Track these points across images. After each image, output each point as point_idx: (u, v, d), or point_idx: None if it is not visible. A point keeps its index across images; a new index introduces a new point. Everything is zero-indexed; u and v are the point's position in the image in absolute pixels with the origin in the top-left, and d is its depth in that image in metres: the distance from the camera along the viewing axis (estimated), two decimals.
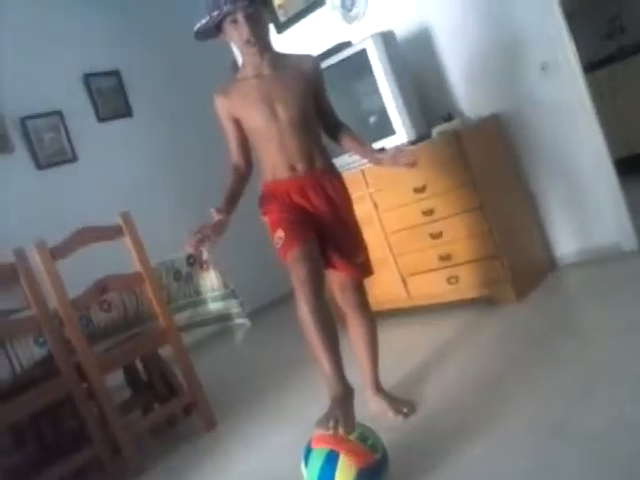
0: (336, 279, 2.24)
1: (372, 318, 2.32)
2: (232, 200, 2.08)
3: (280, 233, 2.02)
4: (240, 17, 1.94)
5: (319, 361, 1.87)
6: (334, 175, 2.20)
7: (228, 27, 1.99)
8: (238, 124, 2.12)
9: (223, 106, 2.11)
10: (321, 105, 2.19)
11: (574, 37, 2.98)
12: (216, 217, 1.96)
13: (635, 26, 4.81)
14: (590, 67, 4.35)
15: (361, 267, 2.22)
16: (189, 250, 1.94)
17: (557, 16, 2.96)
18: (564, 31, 2.97)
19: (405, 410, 2.23)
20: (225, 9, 1.92)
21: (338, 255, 2.15)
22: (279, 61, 2.10)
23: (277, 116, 2.05)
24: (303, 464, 1.80)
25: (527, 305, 2.89)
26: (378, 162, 2.17)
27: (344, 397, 1.80)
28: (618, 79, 4.58)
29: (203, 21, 1.99)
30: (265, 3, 2.08)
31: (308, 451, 1.80)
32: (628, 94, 4.53)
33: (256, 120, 2.07)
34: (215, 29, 2.04)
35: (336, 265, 2.17)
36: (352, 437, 1.75)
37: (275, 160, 2.09)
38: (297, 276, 1.91)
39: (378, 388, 2.34)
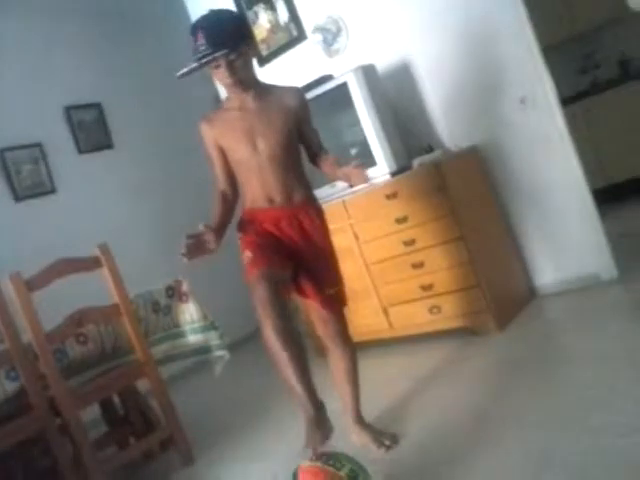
0: (315, 311, 2.22)
1: (353, 349, 2.30)
2: (221, 225, 2.06)
3: (248, 253, 2.01)
4: (222, 64, 1.94)
5: (287, 381, 1.80)
6: (312, 208, 2.18)
7: (211, 70, 1.99)
8: (223, 152, 2.13)
9: (208, 134, 2.12)
10: (307, 135, 2.18)
11: (550, 72, 3.04)
12: (205, 233, 1.92)
13: (609, 62, 4.93)
14: (566, 101, 4.44)
15: (331, 299, 2.18)
16: (184, 259, 1.86)
17: (535, 51, 3.02)
18: (542, 66, 3.03)
19: (387, 442, 2.20)
20: (205, 60, 1.91)
21: (309, 284, 2.14)
22: (264, 94, 2.10)
23: (257, 150, 2.06)
24: None
25: (508, 335, 2.89)
26: (343, 178, 2.10)
27: (317, 414, 1.77)
28: (593, 112, 4.67)
29: (185, 70, 1.95)
30: (248, 41, 2.03)
31: None
32: (603, 127, 4.62)
33: (238, 152, 2.08)
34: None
35: (307, 294, 2.16)
36: (342, 473, 1.71)
37: (255, 191, 2.11)
38: (259, 297, 1.86)
39: (360, 420, 2.31)
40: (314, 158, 2.25)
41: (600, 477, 1.60)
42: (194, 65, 1.94)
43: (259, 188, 2.09)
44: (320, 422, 1.77)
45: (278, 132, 2.07)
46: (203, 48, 1.90)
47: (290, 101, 2.12)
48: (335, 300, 2.21)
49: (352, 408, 2.30)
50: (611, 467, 1.62)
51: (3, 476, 2.60)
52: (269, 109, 2.08)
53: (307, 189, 2.18)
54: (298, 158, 2.18)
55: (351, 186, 2.78)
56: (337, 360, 2.28)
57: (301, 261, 2.11)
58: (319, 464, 1.71)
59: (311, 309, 2.23)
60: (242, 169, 2.11)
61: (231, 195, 2.17)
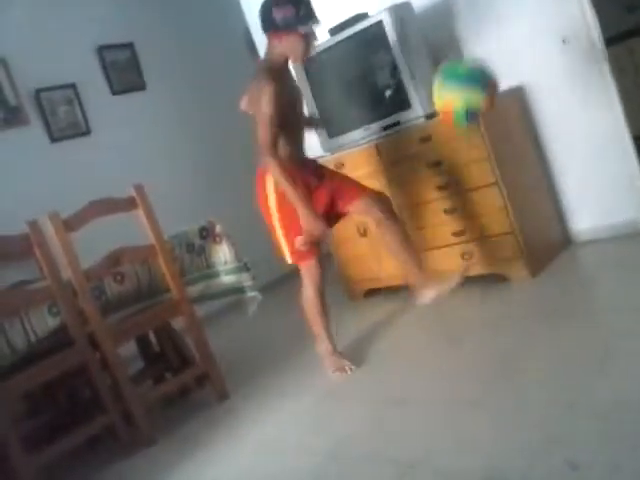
0: (362, 207, 2.63)
1: (402, 222, 2.72)
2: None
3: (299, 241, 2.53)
4: (314, 38, 2.41)
5: (315, 326, 2.72)
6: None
7: (295, 37, 2.37)
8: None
9: (277, 94, 2.37)
10: None
11: (595, 9, 2.90)
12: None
13: None
14: (610, 41, 4.24)
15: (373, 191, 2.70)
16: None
17: None
18: (586, 3, 2.89)
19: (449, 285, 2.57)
20: (313, 29, 2.38)
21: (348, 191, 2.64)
22: None
23: (300, 111, 2.62)
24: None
25: (540, 282, 2.87)
26: None
27: (331, 350, 2.69)
28: (639, 54, 4.46)
29: (286, 20, 2.33)
30: None
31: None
32: None
33: (292, 112, 2.51)
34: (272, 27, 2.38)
35: (349, 197, 2.62)
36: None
37: (295, 144, 2.58)
38: (309, 277, 2.64)
39: (427, 276, 2.65)
40: None
41: (632, 421, 1.61)
42: (297, 27, 2.35)
43: (298, 143, 2.60)
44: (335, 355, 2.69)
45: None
46: (311, 19, 2.38)
47: None
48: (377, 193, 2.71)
49: (415, 268, 2.64)
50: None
51: (50, 403, 2.74)
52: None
53: None
54: None
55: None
56: (393, 233, 2.62)
57: (333, 184, 2.63)
58: None
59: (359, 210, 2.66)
60: (290, 127, 2.49)
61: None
